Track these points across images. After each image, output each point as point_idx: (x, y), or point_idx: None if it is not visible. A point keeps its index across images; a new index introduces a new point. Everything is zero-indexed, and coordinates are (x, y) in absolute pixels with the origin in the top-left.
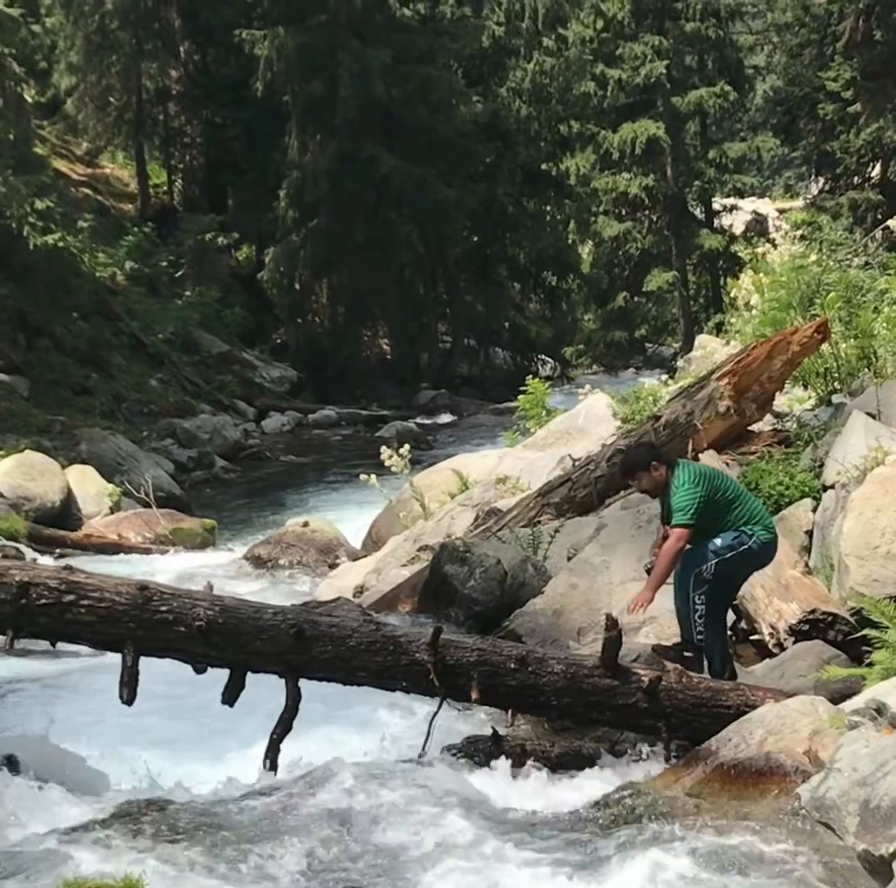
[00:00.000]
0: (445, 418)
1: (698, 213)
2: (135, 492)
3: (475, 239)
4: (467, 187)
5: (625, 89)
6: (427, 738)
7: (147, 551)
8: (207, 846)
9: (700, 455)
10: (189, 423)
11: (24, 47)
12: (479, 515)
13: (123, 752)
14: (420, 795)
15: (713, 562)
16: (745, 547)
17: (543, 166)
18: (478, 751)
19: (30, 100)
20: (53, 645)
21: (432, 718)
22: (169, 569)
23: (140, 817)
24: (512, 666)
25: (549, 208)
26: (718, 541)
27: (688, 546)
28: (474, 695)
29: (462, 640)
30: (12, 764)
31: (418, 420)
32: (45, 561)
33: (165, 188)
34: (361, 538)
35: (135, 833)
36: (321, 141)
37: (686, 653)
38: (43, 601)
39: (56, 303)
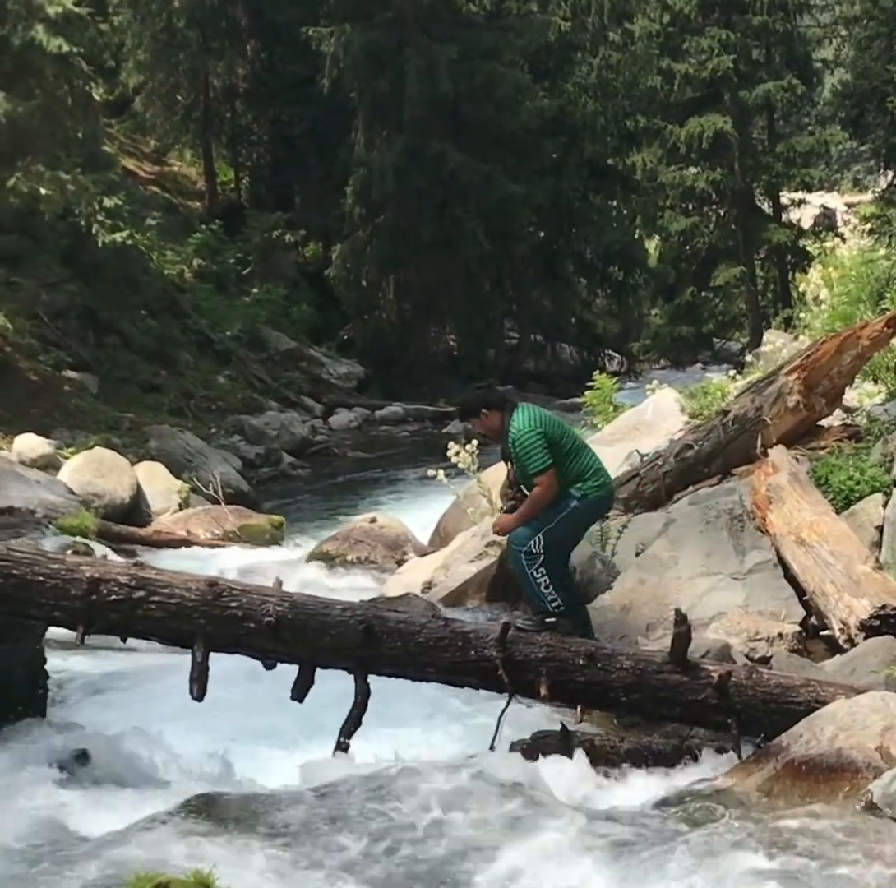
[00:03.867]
0: None
1: (766, 207)
2: (203, 489)
3: (541, 234)
4: (534, 183)
5: (691, 83)
6: (496, 733)
7: (215, 547)
8: (277, 840)
9: (769, 450)
10: (257, 419)
11: (92, 46)
12: None
13: (194, 748)
14: (488, 789)
15: (540, 534)
16: (569, 509)
17: (610, 161)
18: (546, 747)
19: (98, 98)
20: (124, 640)
21: (501, 714)
22: (237, 565)
23: (210, 812)
24: (580, 662)
25: (615, 203)
26: (539, 515)
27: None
28: (543, 692)
29: (530, 636)
30: (84, 759)
31: None
32: (115, 557)
33: (232, 185)
34: (429, 534)
35: (205, 827)
36: (388, 137)
37: (547, 621)
38: (113, 597)
39: (124, 300)
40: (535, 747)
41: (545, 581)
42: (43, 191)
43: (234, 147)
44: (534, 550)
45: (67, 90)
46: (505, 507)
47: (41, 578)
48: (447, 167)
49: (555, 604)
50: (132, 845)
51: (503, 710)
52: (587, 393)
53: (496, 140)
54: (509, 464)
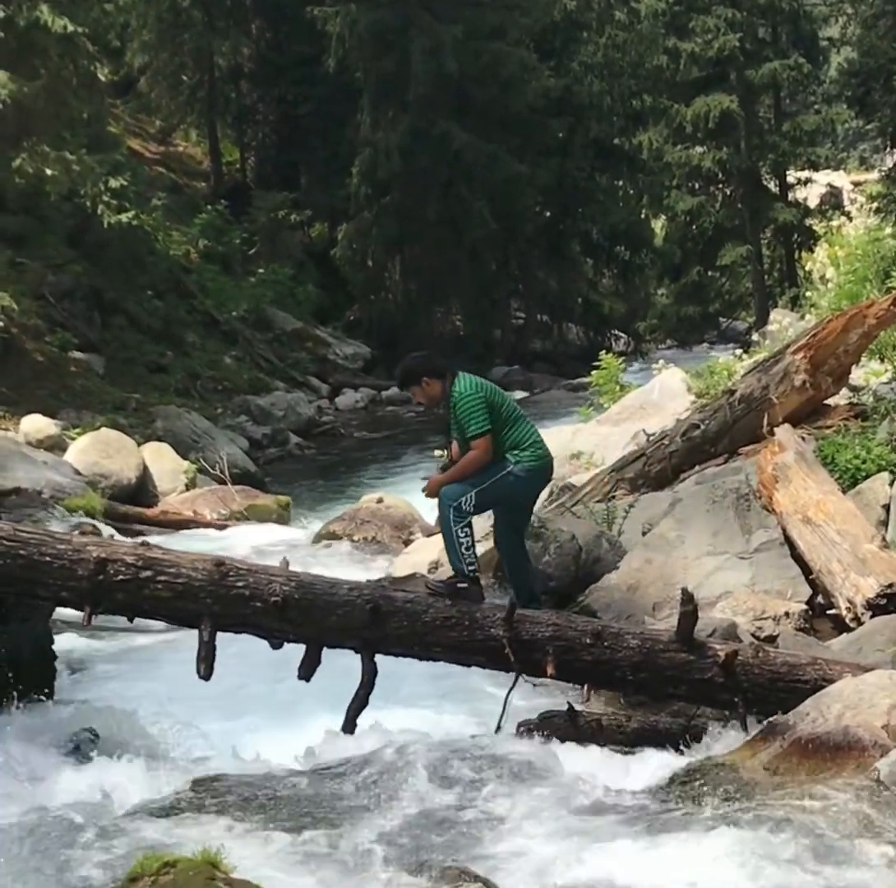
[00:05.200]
0: (519, 394)
1: (772, 186)
2: (210, 469)
3: (547, 214)
4: (539, 163)
5: (698, 62)
6: (503, 713)
7: (222, 528)
8: (286, 820)
9: (775, 429)
10: (263, 400)
11: (97, 26)
12: (554, 491)
13: (201, 727)
14: (495, 769)
15: (472, 492)
16: (503, 473)
17: (616, 141)
18: (553, 726)
19: (103, 78)
20: (131, 620)
21: (508, 693)
22: (244, 545)
23: (218, 791)
24: (587, 641)
25: (621, 183)
26: (475, 475)
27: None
28: (549, 671)
29: (537, 616)
30: (92, 738)
31: None
32: (122, 538)
33: (238, 166)
34: (436, 514)
35: (213, 807)
36: (393, 117)
37: (459, 586)
38: (120, 577)
39: (130, 281)
40: (542, 727)
41: (468, 542)
42: (48, 171)
43: (240, 127)
44: (463, 507)
45: (72, 70)
46: (438, 469)
47: (48, 559)
48: (452, 147)
49: (471, 567)
50: (140, 824)
51: (510, 689)
52: (593, 373)
53: (502, 120)
54: (454, 439)
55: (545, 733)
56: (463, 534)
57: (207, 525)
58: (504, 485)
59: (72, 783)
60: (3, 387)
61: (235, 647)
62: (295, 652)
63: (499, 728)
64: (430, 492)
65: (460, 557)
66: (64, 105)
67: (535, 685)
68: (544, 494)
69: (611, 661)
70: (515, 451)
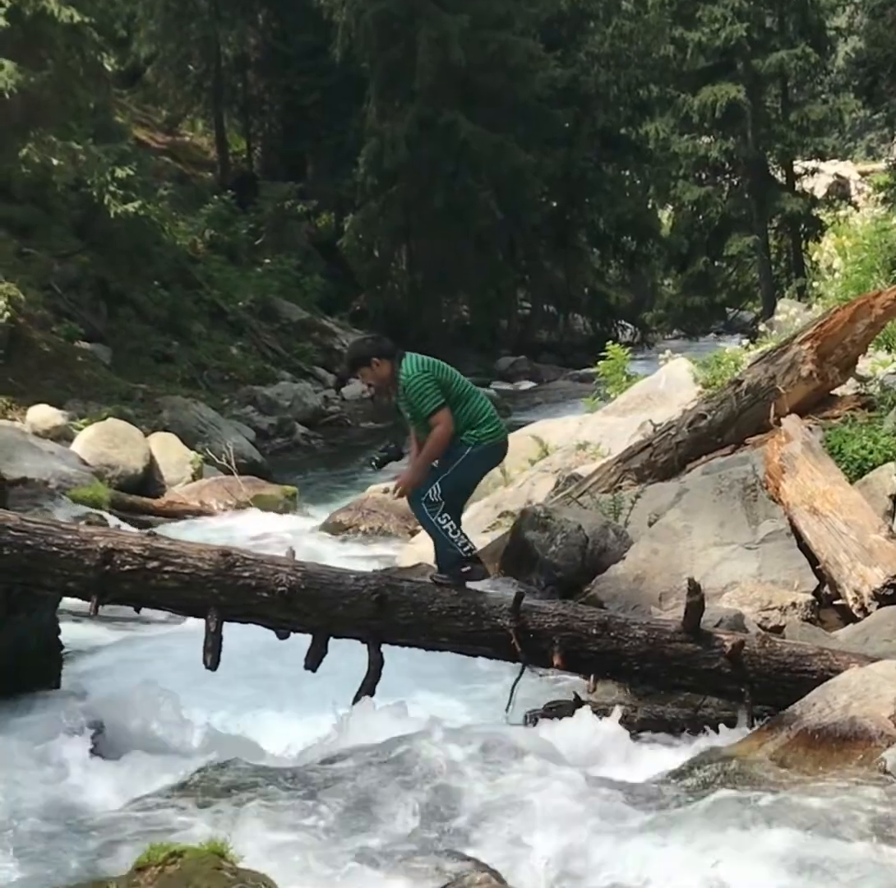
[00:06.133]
0: (525, 384)
1: (779, 176)
2: (216, 460)
3: (554, 204)
4: (546, 153)
5: (704, 52)
6: (509, 703)
7: (228, 518)
8: (294, 809)
9: (782, 419)
10: (269, 390)
11: (103, 16)
12: (560, 481)
13: (208, 717)
14: (501, 759)
15: (437, 483)
16: (464, 456)
17: (623, 131)
18: (559, 716)
19: (110, 68)
20: (138, 610)
21: (514, 684)
22: (250, 535)
23: (225, 781)
24: (593, 631)
25: (628, 173)
26: (435, 463)
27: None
28: (556, 661)
29: (543, 606)
30: (98, 728)
31: (497, 386)
32: (129, 528)
33: (244, 156)
34: None
35: (220, 797)
36: (399, 107)
37: (464, 570)
38: (127, 567)
39: (137, 271)
40: (549, 716)
41: (452, 526)
42: (55, 161)
43: (246, 117)
44: (432, 498)
45: (79, 60)
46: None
47: (55, 549)
48: (459, 137)
49: (466, 548)
50: (146, 814)
51: (516, 680)
52: (600, 363)
53: (508, 109)
54: (412, 428)
55: (551, 722)
56: (443, 521)
57: (214, 515)
58: (466, 468)
59: (78, 773)
60: (10, 377)
61: (243, 637)
62: (303, 642)
63: (506, 716)
64: (403, 491)
65: (451, 542)
66: (70, 95)
67: (542, 675)
68: (550, 485)
69: (617, 652)
70: (471, 431)
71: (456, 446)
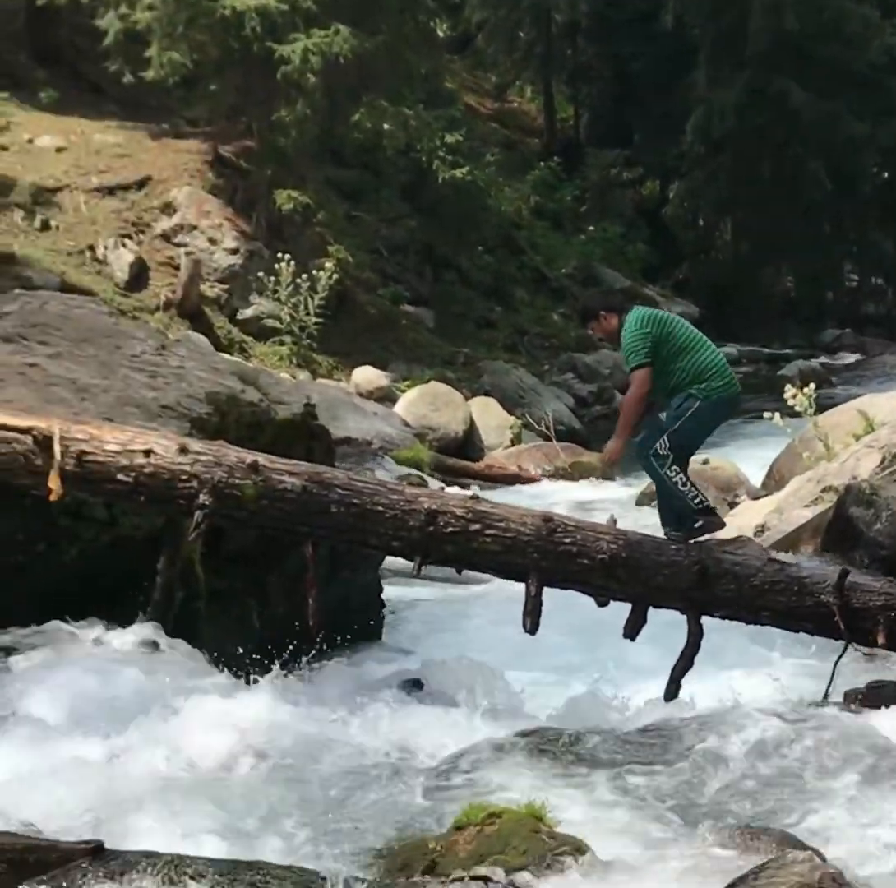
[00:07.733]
0: (850, 358)
1: None
2: (535, 426)
3: (885, 175)
4: (880, 122)
5: None
6: (830, 682)
7: (546, 484)
8: (608, 780)
9: None
10: (590, 357)
11: None
12: (886, 457)
13: (524, 680)
14: (820, 739)
15: (665, 436)
16: (693, 409)
17: None
18: (883, 696)
19: (441, 34)
20: (459, 572)
21: (836, 662)
22: (568, 501)
23: (540, 745)
24: None
25: None
26: (662, 415)
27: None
28: (880, 640)
29: (868, 583)
30: (419, 686)
31: (822, 359)
32: (448, 490)
33: (571, 122)
34: (762, 477)
35: (538, 760)
36: (729, 74)
37: (696, 525)
38: (450, 529)
39: (463, 236)
40: (871, 697)
41: (681, 479)
42: (386, 126)
43: (574, 84)
44: (660, 451)
45: (412, 26)
46: None
47: (381, 508)
48: (790, 105)
49: (696, 500)
50: (461, 772)
51: (838, 658)
52: None
53: (841, 78)
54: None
55: (874, 703)
56: (673, 474)
57: (531, 480)
58: (695, 420)
59: (397, 728)
60: (337, 338)
61: (562, 602)
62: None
63: (826, 696)
64: (611, 458)
65: (681, 495)
66: (403, 60)
67: (863, 654)
68: (875, 461)
69: None
70: (700, 384)
71: (685, 399)
